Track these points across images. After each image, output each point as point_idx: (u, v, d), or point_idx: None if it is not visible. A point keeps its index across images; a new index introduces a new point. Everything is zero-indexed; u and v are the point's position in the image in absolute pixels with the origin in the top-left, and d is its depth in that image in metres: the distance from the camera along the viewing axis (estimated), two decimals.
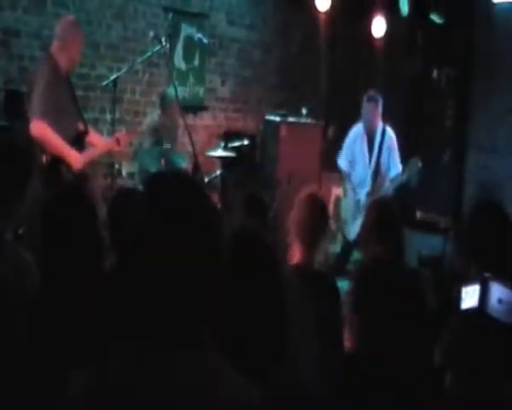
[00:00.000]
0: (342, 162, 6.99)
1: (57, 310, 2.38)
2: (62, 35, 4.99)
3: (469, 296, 2.89)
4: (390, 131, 6.86)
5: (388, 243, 3.46)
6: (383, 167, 6.83)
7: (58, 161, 4.83)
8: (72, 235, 2.48)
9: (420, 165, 6.61)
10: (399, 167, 6.83)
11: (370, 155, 6.84)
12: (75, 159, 4.86)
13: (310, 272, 3.28)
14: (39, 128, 4.72)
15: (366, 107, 6.72)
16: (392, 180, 6.82)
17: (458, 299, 2.92)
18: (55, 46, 4.97)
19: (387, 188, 6.77)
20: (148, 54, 6.28)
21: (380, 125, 6.78)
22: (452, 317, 2.86)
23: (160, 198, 1.52)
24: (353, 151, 6.91)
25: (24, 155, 2.85)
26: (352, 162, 6.92)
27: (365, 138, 6.84)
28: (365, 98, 6.74)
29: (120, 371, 1.44)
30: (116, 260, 2.94)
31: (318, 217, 3.40)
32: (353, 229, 6.60)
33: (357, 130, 6.91)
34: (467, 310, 2.86)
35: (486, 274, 2.90)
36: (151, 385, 1.42)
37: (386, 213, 3.61)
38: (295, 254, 3.32)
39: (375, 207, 3.74)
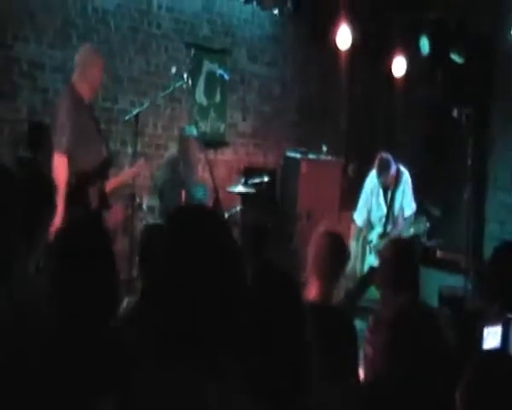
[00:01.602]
0: (358, 219, 6.96)
1: (74, 341, 2.36)
2: (81, 63, 5.10)
3: (491, 337, 2.86)
4: (404, 174, 6.86)
5: (408, 283, 3.43)
6: (397, 208, 6.83)
7: (86, 184, 4.91)
8: (87, 266, 2.44)
9: (428, 225, 6.63)
10: (413, 207, 6.83)
11: (385, 199, 6.85)
12: (59, 213, 4.54)
13: (327, 309, 3.25)
14: (56, 164, 4.85)
15: (380, 174, 6.72)
16: (405, 219, 6.81)
17: (480, 339, 2.89)
18: (75, 75, 5.08)
19: (402, 228, 6.76)
20: (170, 89, 6.34)
21: (393, 170, 6.76)
22: (474, 357, 2.83)
23: (184, 232, 1.53)
24: (370, 203, 6.91)
25: (46, 187, 2.86)
26: (368, 212, 6.93)
27: (381, 191, 6.86)
28: (377, 167, 6.72)
29: (146, 398, 1.44)
30: (141, 291, 2.95)
31: (336, 253, 3.39)
32: (359, 267, 6.62)
33: (372, 183, 6.90)
34: (489, 350, 2.83)
35: (509, 315, 2.87)
36: None
37: (405, 254, 3.58)
38: (312, 290, 3.30)
39: (394, 247, 3.71)
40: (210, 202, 6.19)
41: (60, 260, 2.42)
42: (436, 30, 8.26)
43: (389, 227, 6.80)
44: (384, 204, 6.84)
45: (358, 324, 3.50)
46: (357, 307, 6.01)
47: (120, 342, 2.26)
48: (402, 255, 3.55)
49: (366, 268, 6.72)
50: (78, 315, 2.38)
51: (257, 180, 7.14)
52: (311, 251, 3.40)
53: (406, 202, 6.83)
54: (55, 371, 2.29)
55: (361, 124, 9.31)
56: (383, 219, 6.84)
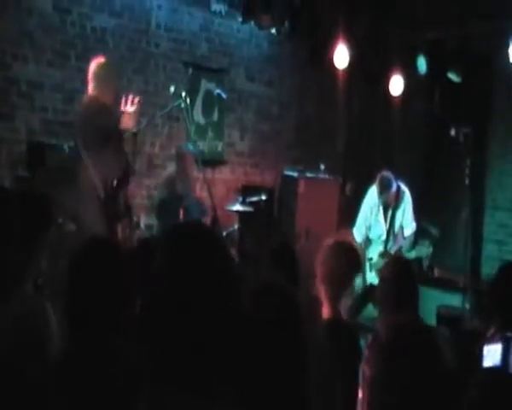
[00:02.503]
0: (358, 236, 6.93)
1: (84, 363, 2.33)
2: (94, 76, 5.17)
3: (491, 355, 2.85)
4: (405, 192, 6.85)
5: (407, 303, 3.41)
6: (397, 227, 6.83)
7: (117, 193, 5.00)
8: (100, 288, 2.42)
9: (431, 250, 6.64)
10: (413, 226, 6.83)
11: (385, 218, 6.84)
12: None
13: (338, 328, 3.22)
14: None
15: (382, 192, 6.73)
16: (405, 238, 6.81)
17: (480, 357, 2.88)
18: (90, 88, 5.16)
19: (401, 246, 6.76)
20: (168, 108, 6.36)
21: (395, 189, 6.76)
22: (475, 375, 2.82)
23: (181, 250, 1.53)
24: (369, 221, 6.90)
25: (43, 205, 2.86)
26: (366, 229, 6.92)
27: (381, 209, 6.84)
28: (379, 186, 6.72)
29: None
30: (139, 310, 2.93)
31: (351, 263, 3.37)
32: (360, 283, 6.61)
33: (372, 200, 6.89)
34: (489, 368, 2.82)
35: (508, 333, 2.86)
36: None
37: (404, 273, 3.56)
38: (324, 307, 3.27)
39: (394, 266, 3.69)
40: (208, 221, 6.19)
41: (71, 284, 2.40)
42: (433, 49, 8.31)
43: (389, 245, 6.79)
44: (384, 222, 6.83)
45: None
46: (356, 324, 5.99)
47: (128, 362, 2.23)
48: (401, 275, 3.53)
49: (364, 286, 6.70)
50: (89, 337, 2.34)
51: (255, 199, 7.15)
52: (322, 263, 3.36)
53: (406, 220, 6.83)
54: (57, 392, 2.27)
55: (359, 143, 9.34)
56: (383, 237, 6.83)
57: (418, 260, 6.88)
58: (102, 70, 5.27)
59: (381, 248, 6.83)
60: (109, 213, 5.05)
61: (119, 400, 1.97)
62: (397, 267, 3.63)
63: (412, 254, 6.70)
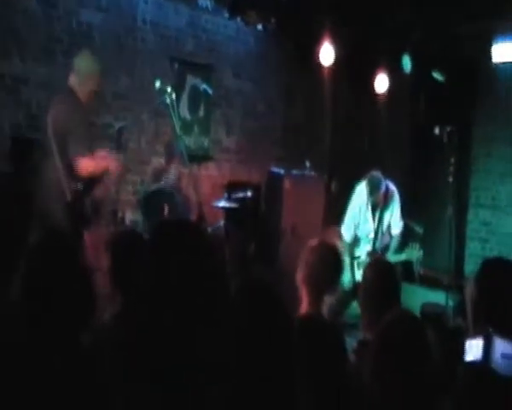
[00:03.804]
0: (346, 234, 6.94)
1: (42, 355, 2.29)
2: (78, 69, 5.12)
3: (473, 350, 2.88)
4: (394, 192, 6.87)
5: (390, 304, 3.41)
6: (385, 226, 6.85)
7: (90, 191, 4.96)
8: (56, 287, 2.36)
9: (421, 254, 6.67)
10: (401, 225, 6.85)
11: (373, 217, 6.86)
12: (113, 165, 5.15)
13: (319, 326, 3.22)
14: (85, 167, 4.92)
15: (371, 192, 6.74)
16: (392, 237, 6.83)
17: (462, 352, 2.91)
18: (72, 80, 5.10)
19: (389, 245, 6.79)
20: (154, 104, 6.36)
21: (384, 189, 6.79)
22: (459, 370, 2.85)
23: (168, 247, 1.54)
24: (358, 220, 6.91)
25: (24, 203, 2.84)
26: (355, 227, 6.93)
27: (369, 208, 6.86)
28: (368, 186, 6.71)
29: None
30: (122, 306, 2.93)
31: (332, 264, 3.37)
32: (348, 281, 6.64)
33: (361, 199, 6.90)
34: (471, 362, 2.85)
35: (490, 329, 2.89)
36: None
37: (387, 274, 3.57)
38: (303, 304, 3.28)
39: (375, 267, 3.69)
40: (194, 217, 6.19)
41: (32, 272, 2.35)
42: (418, 49, 8.35)
43: (377, 244, 6.82)
44: (372, 221, 6.85)
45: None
46: (341, 322, 6.01)
47: (93, 359, 2.20)
48: (384, 276, 3.54)
49: (353, 283, 6.72)
50: (47, 328, 2.30)
51: (240, 195, 7.15)
52: (305, 263, 3.36)
53: (394, 220, 6.85)
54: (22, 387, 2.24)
55: (344, 140, 9.37)
56: (371, 236, 6.85)
57: (408, 262, 6.90)
58: (83, 63, 5.23)
59: (368, 247, 6.85)
60: (75, 216, 4.92)
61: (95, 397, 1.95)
62: (379, 269, 3.63)
63: (402, 257, 6.72)
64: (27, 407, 2.04)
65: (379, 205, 6.79)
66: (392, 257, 6.57)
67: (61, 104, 5.13)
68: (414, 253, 6.72)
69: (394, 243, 6.85)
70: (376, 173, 6.70)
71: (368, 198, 6.77)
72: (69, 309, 2.27)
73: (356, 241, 6.93)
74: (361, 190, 6.86)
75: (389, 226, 6.86)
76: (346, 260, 6.73)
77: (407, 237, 7.18)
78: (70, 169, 4.90)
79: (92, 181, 5.09)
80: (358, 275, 6.68)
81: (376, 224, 6.83)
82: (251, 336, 1.81)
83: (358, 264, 6.80)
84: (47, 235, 2.48)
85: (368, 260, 6.59)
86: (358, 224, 6.89)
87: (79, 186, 4.94)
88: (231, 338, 1.60)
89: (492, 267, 3.27)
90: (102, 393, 1.85)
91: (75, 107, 5.05)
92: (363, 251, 6.88)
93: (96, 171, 5.03)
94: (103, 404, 1.85)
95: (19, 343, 2.28)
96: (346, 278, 6.71)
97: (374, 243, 6.82)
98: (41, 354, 2.18)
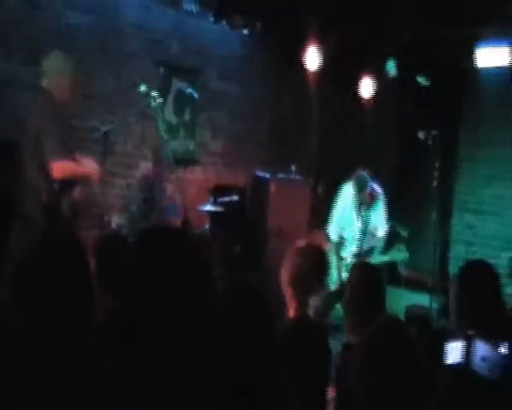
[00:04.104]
0: (332, 233, 7.00)
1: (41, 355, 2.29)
2: (48, 70, 5.10)
3: (454, 352, 2.90)
4: (380, 193, 6.92)
5: (375, 308, 3.41)
6: (371, 227, 6.88)
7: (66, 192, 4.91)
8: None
9: (407, 255, 6.71)
10: (386, 227, 6.89)
11: (360, 218, 6.89)
12: (92, 172, 5.17)
13: (305, 327, 3.23)
14: (60, 170, 4.87)
15: (358, 191, 6.78)
16: (378, 240, 6.87)
17: (443, 354, 2.93)
18: (44, 81, 5.08)
19: (374, 246, 6.82)
20: (140, 107, 6.35)
21: (370, 188, 6.82)
22: (440, 372, 2.87)
23: (154, 252, 1.54)
24: (344, 220, 6.95)
25: (2, 203, 2.83)
26: (341, 228, 6.97)
27: (356, 208, 6.89)
28: (355, 185, 6.77)
29: None
30: (106, 311, 2.93)
31: (318, 266, 3.37)
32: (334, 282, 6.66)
33: (347, 198, 6.93)
34: (452, 365, 2.88)
35: (470, 332, 2.92)
36: None
37: (372, 278, 3.56)
38: (290, 308, 3.28)
39: (360, 271, 3.68)
40: (179, 221, 6.18)
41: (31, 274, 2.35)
42: (403, 53, 8.40)
43: (363, 246, 6.85)
44: (358, 222, 6.88)
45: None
46: (325, 324, 6.03)
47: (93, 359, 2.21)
48: (369, 279, 3.54)
49: (340, 283, 6.74)
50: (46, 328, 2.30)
51: (226, 199, 7.16)
52: (290, 264, 3.35)
53: (380, 221, 6.89)
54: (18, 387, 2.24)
55: (330, 144, 9.39)
56: (357, 237, 6.88)
57: (392, 263, 6.93)
58: (52, 63, 5.21)
59: (354, 248, 6.88)
60: (50, 216, 4.89)
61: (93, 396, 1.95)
62: (364, 272, 3.63)
63: (385, 258, 6.76)
64: (27, 407, 2.05)
65: (365, 204, 6.83)
66: (376, 258, 6.60)
67: (35, 105, 5.13)
68: (399, 254, 6.76)
69: (379, 244, 6.89)
70: (363, 173, 6.75)
71: (354, 197, 6.81)
72: (68, 308, 2.27)
73: (342, 242, 6.97)
74: (347, 191, 6.91)
75: (375, 228, 6.90)
76: (333, 259, 6.77)
77: (393, 238, 7.22)
78: (45, 170, 4.88)
79: (69, 182, 5.06)
80: (344, 276, 6.71)
81: (362, 225, 6.86)
82: (237, 337, 1.82)
83: (345, 265, 6.83)
84: (46, 234, 2.48)
85: (353, 261, 6.63)
86: (344, 226, 6.92)
87: (55, 186, 4.91)
88: (217, 340, 1.61)
89: (473, 270, 3.30)
90: (102, 393, 1.86)
91: (48, 108, 5.02)
92: (349, 252, 6.91)
93: (71, 175, 5.00)
94: (103, 404, 1.86)
95: (16, 343, 2.28)
96: (332, 279, 6.74)
97: (360, 244, 6.85)
98: (40, 353, 2.18)
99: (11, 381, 2.11)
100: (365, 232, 6.86)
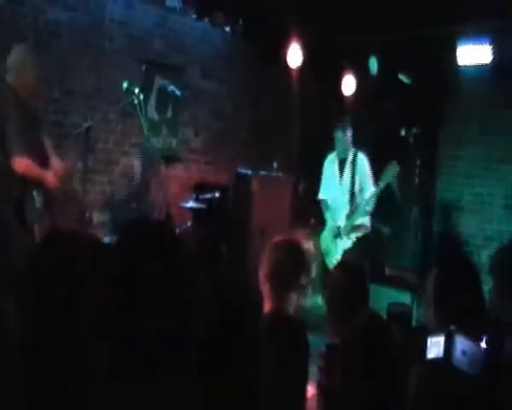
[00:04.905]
0: (321, 194, 7.26)
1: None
2: (11, 65, 5.06)
3: (434, 347, 2.91)
4: (362, 156, 7.02)
5: (358, 307, 3.41)
6: (357, 190, 6.95)
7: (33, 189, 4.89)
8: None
9: (398, 169, 6.71)
10: (372, 190, 6.90)
11: (342, 178, 6.99)
12: (51, 181, 5.08)
13: (282, 323, 3.23)
14: (21, 166, 4.82)
15: (338, 136, 6.99)
16: (367, 201, 6.87)
17: (424, 349, 2.94)
18: (8, 77, 5.05)
19: (363, 209, 6.84)
20: (122, 104, 6.33)
21: (351, 150, 6.97)
22: (417, 366, 2.88)
23: (136, 249, 1.54)
24: (327, 178, 7.08)
25: None
26: (328, 190, 7.09)
27: (337, 162, 7.11)
28: (339, 124, 7.03)
29: None
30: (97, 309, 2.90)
31: (295, 262, 3.37)
32: (334, 256, 6.70)
33: (329, 158, 7.22)
34: (432, 360, 2.89)
35: (451, 327, 2.94)
36: None
37: (356, 278, 3.56)
38: (267, 303, 3.28)
39: (343, 269, 3.68)
40: (161, 218, 6.18)
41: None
42: (385, 51, 8.43)
43: (354, 205, 6.92)
44: (345, 184, 6.97)
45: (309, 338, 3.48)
46: (303, 320, 6.03)
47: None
48: (352, 277, 3.54)
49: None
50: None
51: (208, 196, 7.16)
52: (268, 259, 3.34)
53: (366, 183, 6.96)
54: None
55: (312, 141, 9.41)
56: (346, 199, 6.96)
57: (389, 186, 6.86)
58: (15, 57, 5.17)
59: (346, 211, 6.95)
60: (21, 207, 4.86)
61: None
62: (346, 270, 3.63)
63: (381, 185, 6.72)
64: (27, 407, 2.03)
65: (346, 158, 7.02)
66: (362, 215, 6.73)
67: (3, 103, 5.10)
68: (390, 173, 6.74)
69: (369, 205, 6.91)
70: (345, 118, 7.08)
71: (338, 137, 7.02)
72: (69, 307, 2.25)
73: (334, 211, 7.07)
74: (330, 159, 7.08)
75: (361, 190, 6.96)
76: (332, 223, 7.04)
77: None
78: (10, 164, 4.86)
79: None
80: (343, 244, 6.79)
81: (349, 185, 6.94)
82: (221, 335, 1.82)
83: (341, 234, 6.90)
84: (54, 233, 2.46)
85: (348, 224, 6.84)
86: (335, 196, 7.04)
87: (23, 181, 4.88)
88: (202, 338, 1.61)
89: (450, 265, 3.32)
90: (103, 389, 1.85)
91: (11, 102, 4.97)
92: (342, 218, 6.98)
93: (29, 174, 4.94)
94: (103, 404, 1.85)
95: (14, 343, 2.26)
96: (333, 255, 6.83)
97: (350, 204, 6.92)
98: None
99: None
100: (353, 192, 6.94)
